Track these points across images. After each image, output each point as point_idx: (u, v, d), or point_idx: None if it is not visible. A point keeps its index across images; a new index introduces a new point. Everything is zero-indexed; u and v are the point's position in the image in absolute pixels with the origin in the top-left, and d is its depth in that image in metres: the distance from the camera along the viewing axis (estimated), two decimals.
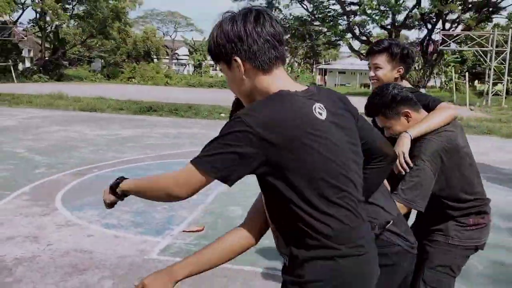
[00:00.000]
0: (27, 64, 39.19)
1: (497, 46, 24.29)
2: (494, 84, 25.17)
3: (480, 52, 26.29)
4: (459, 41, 30.15)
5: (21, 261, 3.61)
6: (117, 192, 1.54)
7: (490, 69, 24.06)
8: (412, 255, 1.84)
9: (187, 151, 8.36)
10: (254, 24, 1.34)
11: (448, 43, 26.21)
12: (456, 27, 31.85)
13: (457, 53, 37.35)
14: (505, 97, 24.93)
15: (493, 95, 24.51)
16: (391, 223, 1.76)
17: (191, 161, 1.32)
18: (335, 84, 49.85)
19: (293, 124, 1.30)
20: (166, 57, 57.56)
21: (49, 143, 8.86)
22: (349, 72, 53.72)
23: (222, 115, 14.60)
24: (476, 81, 37.54)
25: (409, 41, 38.85)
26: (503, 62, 23.85)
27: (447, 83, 34.93)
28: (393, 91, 2.11)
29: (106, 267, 3.55)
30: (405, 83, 2.46)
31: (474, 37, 26.08)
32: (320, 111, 1.35)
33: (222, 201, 5.37)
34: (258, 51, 1.35)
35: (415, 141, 2.12)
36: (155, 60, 48.32)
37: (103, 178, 6.21)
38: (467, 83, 23.37)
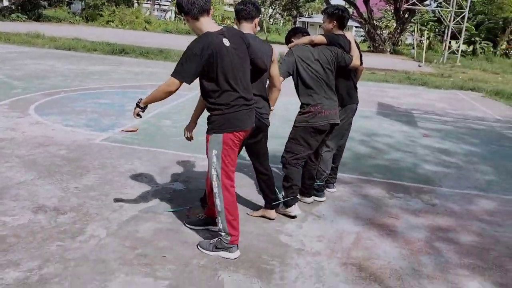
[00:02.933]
0: (5, 3, 38.97)
1: (459, 8, 25.72)
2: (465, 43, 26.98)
3: (441, 13, 27.73)
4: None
5: (2, 139, 5.24)
6: (141, 106, 2.99)
7: (448, 28, 25.61)
8: (264, 120, 3.45)
9: (144, 84, 9.92)
10: None
11: (412, 1, 27.33)
12: None
13: (434, 13, 38.47)
14: (464, 56, 26.97)
15: (461, 55, 26.23)
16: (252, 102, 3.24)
17: (171, 73, 2.81)
18: None
19: (213, 47, 2.79)
20: (148, 2, 57.10)
21: (25, 72, 10.28)
22: None
23: None
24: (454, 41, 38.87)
25: None
26: (461, 23, 25.37)
27: (421, 41, 36.25)
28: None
29: (63, 145, 5.22)
30: (347, 33, 3.99)
31: None
32: (225, 41, 2.86)
33: (159, 116, 7.04)
34: (191, 10, 2.85)
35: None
36: (136, 4, 48.16)
37: (67, 98, 7.80)
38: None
